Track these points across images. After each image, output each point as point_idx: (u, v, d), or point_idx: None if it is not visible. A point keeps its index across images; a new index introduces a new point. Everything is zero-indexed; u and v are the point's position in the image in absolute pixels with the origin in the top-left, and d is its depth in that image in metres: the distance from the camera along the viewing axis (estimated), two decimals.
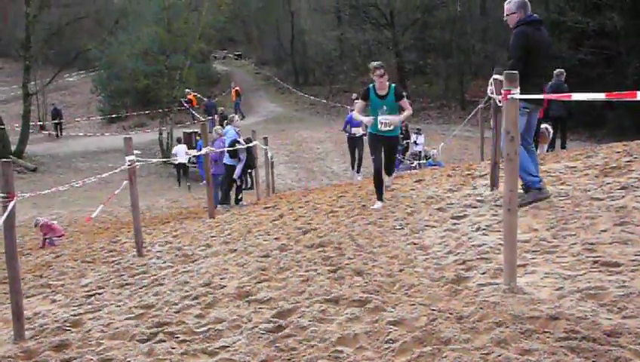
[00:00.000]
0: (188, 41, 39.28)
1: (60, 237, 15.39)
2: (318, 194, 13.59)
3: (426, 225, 8.12)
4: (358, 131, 19.55)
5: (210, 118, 33.79)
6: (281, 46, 61.41)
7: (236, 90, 39.91)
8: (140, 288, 6.96)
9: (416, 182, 11.91)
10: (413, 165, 23.76)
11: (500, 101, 7.70)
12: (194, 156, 27.87)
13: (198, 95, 41.22)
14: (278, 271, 6.74)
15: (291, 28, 58.89)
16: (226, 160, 16.31)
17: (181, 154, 27.74)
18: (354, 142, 20.28)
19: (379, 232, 8.13)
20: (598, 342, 4.20)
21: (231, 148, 16.18)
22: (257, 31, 66.56)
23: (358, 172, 20.68)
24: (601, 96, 5.06)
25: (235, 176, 16.48)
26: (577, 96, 4.90)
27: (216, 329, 5.17)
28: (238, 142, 16.51)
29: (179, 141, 30.27)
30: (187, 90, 38.37)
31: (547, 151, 16.40)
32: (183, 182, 28.12)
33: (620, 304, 4.84)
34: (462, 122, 30.74)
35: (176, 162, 27.17)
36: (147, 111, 41.27)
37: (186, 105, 39.18)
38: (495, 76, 8.01)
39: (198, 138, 27.38)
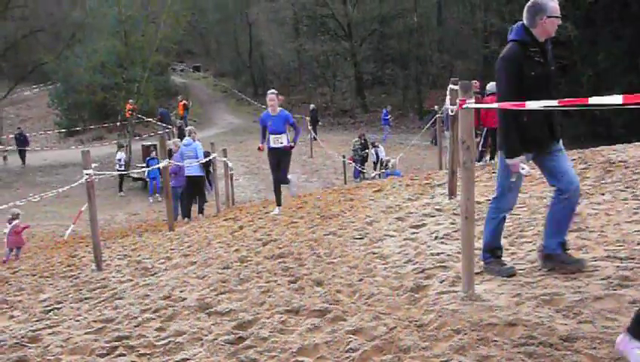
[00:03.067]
0: (145, 54, 39.02)
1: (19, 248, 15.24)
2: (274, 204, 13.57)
3: (386, 235, 8.17)
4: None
5: (166, 127, 33.49)
6: (240, 58, 61.35)
7: (184, 104, 39.56)
8: (100, 302, 6.89)
9: (375, 191, 11.97)
10: (373, 175, 23.88)
11: (452, 110, 7.77)
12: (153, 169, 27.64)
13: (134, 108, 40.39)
14: (239, 283, 6.72)
15: (249, 39, 58.91)
16: (197, 171, 16.16)
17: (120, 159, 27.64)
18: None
19: (338, 242, 8.15)
20: (555, 347, 4.26)
21: (205, 160, 16.14)
22: (215, 43, 66.42)
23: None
24: (554, 103, 5.14)
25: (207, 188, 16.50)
26: (531, 105, 4.98)
27: (176, 342, 5.13)
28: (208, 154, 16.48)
29: (120, 147, 30.15)
30: (130, 100, 37.94)
31: None
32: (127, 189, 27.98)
33: (575, 309, 4.91)
34: (420, 132, 30.97)
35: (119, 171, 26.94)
36: (105, 125, 40.87)
37: (129, 115, 38.52)
38: (451, 86, 8.11)
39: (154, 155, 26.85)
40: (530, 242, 6.87)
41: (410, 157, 28.53)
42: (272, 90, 12.33)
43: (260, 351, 4.75)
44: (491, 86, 16.34)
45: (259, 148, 12.57)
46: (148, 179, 26.70)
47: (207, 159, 17.14)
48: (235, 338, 5.06)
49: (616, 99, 4.76)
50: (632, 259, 5.87)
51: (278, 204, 12.19)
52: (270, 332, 5.10)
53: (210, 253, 8.54)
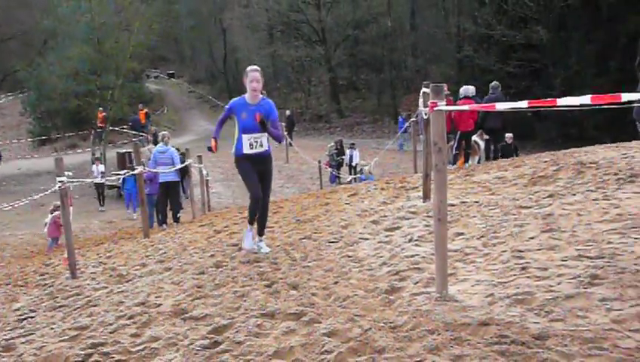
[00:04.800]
0: (119, 61, 38.91)
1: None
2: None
3: (360, 238, 8.21)
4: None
5: (138, 134, 33.32)
6: (214, 64, 61.32)
7: (145, 113, 39.33)
8: (74, 310, 6.85)
9: (350, 196, 12.01)
10: (348, 180, 23.94)
11: (426, 114, 7.84)
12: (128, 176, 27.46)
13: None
14: (214, 288, 6.72)
15: (224, 45, 58.87)
16: (173, 177, 16.04)
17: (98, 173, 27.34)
18: None
19: (314, 246, 8.18)
20: (527, 345, 4.31)
21: (181, 166, 16.10)
22: (190, 49, 66.33)
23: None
24: (523, 104, 5.22)
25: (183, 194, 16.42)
26: (500, 106, 5.05)
27: (152, 348, 5.12)
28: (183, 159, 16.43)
29: (96, 159, 29.99)
30: (101, 108, 37.71)
31: (478, 163, 16.72)
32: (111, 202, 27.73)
33: (547, 308, 4.98)
34: (395, 136, 31.09)
35: (96, 181, 26.65)
36: (79, 132, 40.64)
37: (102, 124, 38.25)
38: (424, 90, 8.18)
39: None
40: (503, 243, 6.94)
41: (385, 162, 28.63)
42: (255, 67, 8.13)
43: (236, 354, 4.76)
44: (464, 90, 16.50)
45: (211, 148, 8.36)
46: (123, 192, 26.29)
47: (184, 165, 17.10)
48: (210, 343, 5.06)
49: (585, 99, 4.84)
50: (602, 258, 5.95)
51: (260, 234, 8.42)
52: (246, 336, 5.11)
53: (186, 259, 8.53)
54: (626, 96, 4.76)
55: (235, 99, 8.11)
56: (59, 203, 16.40)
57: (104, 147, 35.80)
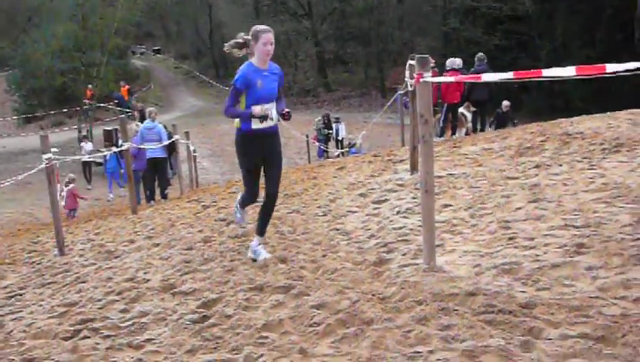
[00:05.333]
0: (104, 37, 38.62)
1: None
2: (242, 186, 13.57)
3: (348, 211, 8.24)
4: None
5: (124, 111, 33.14)
6: (200, 39, 60.92)
7: (127, 89, 39.06)
8: (63, 286, 6.86)
9: (338, 169, 12.02)
10: (336, 154, 23.94)
11: (412, 85, 7.84)
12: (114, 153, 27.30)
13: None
14: (202, 263, 6.73)
15: (209, 21, 58.46)
16: (160, 153, 15.94)
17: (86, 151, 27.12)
18: None
19: (302, 220, 8.20)
20: (514, 314, 4.35)
21: (168, 142, 16.04)
22: (175, 25, 65.86)
23: None
24: (509, 75, 5.22)
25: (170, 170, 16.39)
26: (486, 77, 5.05)
27: (141, 323, 5.13)
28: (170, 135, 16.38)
29: (83, 137, 29.83)
30: (89, 86, 37.45)
31: (466, 134, 16.74)
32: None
33: (534, 277, 5.03)
34: (382, 109, 31.07)
35: (83, 160, 26.43)
36: (65, 110, 40.42)
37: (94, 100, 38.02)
38: (410, 62, 8.17)
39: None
40: (490, 214, 6.98)
41: (373, 135, 28.65)
42: (268, 27, 6.64)
43: (225, 328, 4.78)
44: (451, 62, 16.47)
45: (264, 117, 6.39)
46: (105, 173, 25.88)
47: (171, 141, 17.03)
48: (199, 317, 5.08)
49: (570, 71, 4.85)
50: (588, 226, 6.01)
51: (261, 234, 6.82)
52: (234, 309, 5.13)
53: (174, 235, 8.53)
54: (610, 67, 4.78)
55: (242, 68, 6.46)
56: (73, 175, 17.92)
57: (90, 124, 35.61)
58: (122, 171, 22.37)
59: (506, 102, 20.02)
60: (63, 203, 18.37)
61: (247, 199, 6.95)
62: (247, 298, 5.37)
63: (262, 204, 6.72)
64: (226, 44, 6.86)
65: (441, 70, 16.67)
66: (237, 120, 6.50)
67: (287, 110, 6.55)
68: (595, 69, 4.87)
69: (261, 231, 6.76)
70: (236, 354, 4.29)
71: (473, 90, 17.05)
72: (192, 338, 4.68)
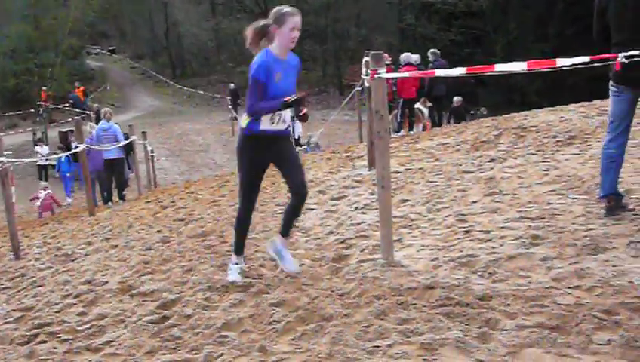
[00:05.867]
0: (57, 38, 38.11)
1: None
2: (200, 185, 13.52)
3: (307, 208, 8.23)
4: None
5: (80, 112, 32.74)
6: (156, 39, 60.34)
7: (82, 90, 38.58)
8: (19, 291, 6.76)
9: None
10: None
11: (368, 82, 7.88)
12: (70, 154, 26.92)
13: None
14: (161, 263, 6.70)
15: (165, 19, 57.94)
16: (116, 153, 15.75)
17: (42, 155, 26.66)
18: None
19: (260, 218, 8.19)
20: (471, 306, 4.41)
21: (125, 143, 15.87)
22: (130, 24, 65.10)
23: None
24: (462, 70, 5.28)
25: (127, 171, 16.21)
26: (440, 72, 5.10)
27: (99, 326, 5.08)
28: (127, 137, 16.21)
29: (35, 143, 29.39)
30: (44, 87, 36.96)
31: (423, 130, 16.85)
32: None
33: (490, 269, 5.10)
34: (340, 106, 31.14)
35: (39, 163, 26.00)
36: (19, 112, 39.81)
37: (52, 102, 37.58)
38: (365, 58, 8.21)
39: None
40: (447, 208, 7.05)
41: (331, 133, 28.69)
42: (296, 9, 5.54)
43: (184, 328, 4.76)
44: (405, 56, 16.56)
45: (299, 100, 5.35)
46: (58, 175, 25.35)
47: (128, 142, 16.87)
48: (158, 318, 5.05)
49: (521, 65, 4.93)
50: (542, 218, 6.11)
51: (286, 234, 5.85)
52: (194, 309, 5.10)
53: (132, 236, 8.47)
54: (560, 62, 4.86)
55: (260, 56, 5.44)
56: (45, 184, 18.09)
57: (45, 126, 35.12)
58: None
59: (457, 98, 20.23)
60: (37, 203, 18.97)
61: (243, 217, 5.81)
62: (207, 297, 5.35)
63: (289, 204, 5.76)
64: (246, 36, 5.69)
65: (395, 67, 16.75)
66: (244, 118, 5.54)
67: (304, 110, 5.49)
68: (546, 63, 4.95)
69: (286, 231, 5.78)
70: (196, 354, 4.28)
71: (434, 86, 17.17)
72: (152, 340, 4.65)
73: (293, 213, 5.73)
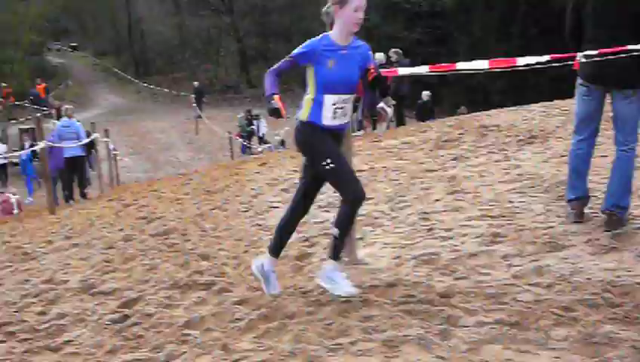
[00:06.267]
0: (17, 34, 37.60)
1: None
2: (164, 183, 13.44)
3: (271, 207, 8.24)
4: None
5: (40, 109, 32.33)
6: (119, 35, 59.76)
7: (44, 87, 38.11)
8: None
9: (260, 165, 12.01)
10: (260, 150, 23.91)
11: None
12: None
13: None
14: (123, 262, 6.64)
15: (128, 16, 57.42)
16: (78, 151, 15.57)
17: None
18: None
19: (224, 216, 8.17)
20: (432, 303, 4.45)
21: (87, 140, 15.70)
22: (92, 21, 64.39)
23: None
24: (425, 69, 5.33)
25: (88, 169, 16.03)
26: (402, 71, 5.13)
27: (59, 325, 5.03)
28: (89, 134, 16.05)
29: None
30: (3, 84, 36.46)
31: (387, 129, 16.90)
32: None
33: (452, 267, 5.17)
34: None
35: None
36: None
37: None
38: None
39: None
40: (410, 206, 7.10)
41: None
42: None
43: (146, 327, 4.73)
44: (378, 55, 16.57)
45: (277, 110, 4.77)
46: (25, 176, 24.98)
47: (89, 140, 16.73)
48: (120, 317, 5.01)
49: (483, 64, 4.99)
50: (503, 216, 6.19)
51: (337, 257, 4.96)
52: (156, 308, 5.08)
53: (94, 234, 8.39)
54: (521, 60, 4.93)
55: (313, 39, 4.95)
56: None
57: (5, 124, 34.63)
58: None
59: (425, 92, 20.25)
60: None
61: (298, 213, 5.24)
62: (169, 296, 5.33)
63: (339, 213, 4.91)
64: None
65: None
66: (305, 109, 4.98)
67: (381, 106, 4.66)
68: (507, 62, 5.01)
69: (336, 253, 4.92)
70: (157, 352, 4.25)
71: (398, 85, 17.19)
72: (113, 339, 4.62)
73: (345, 225, 4.90)
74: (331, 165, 4.72)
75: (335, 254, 4.87)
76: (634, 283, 4.50)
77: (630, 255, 5.05)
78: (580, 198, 5.83)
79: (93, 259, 6.95)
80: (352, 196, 4.76)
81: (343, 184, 4.78)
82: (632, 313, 4.06)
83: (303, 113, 4.95)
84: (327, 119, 4.82)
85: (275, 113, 4.77)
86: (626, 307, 4.15)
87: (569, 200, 5.90)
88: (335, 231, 4.82)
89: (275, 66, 4.93)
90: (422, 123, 16.54)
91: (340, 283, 4.77)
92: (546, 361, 3.60)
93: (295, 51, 4.88)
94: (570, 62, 5.26)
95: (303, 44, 4.90)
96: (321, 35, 4.94)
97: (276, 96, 4.77)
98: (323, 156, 4.77)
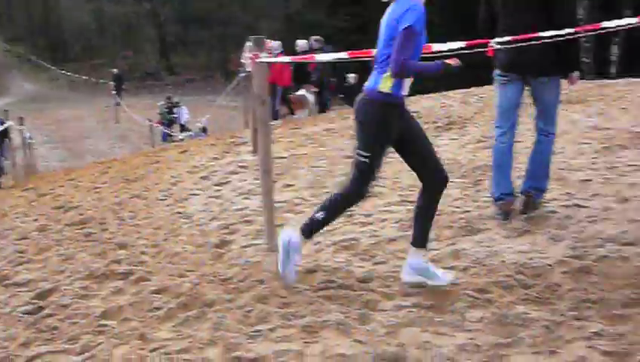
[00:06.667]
0: None
1: None
2: (81, 172, 13.13)
3: (190, 194, 8.15)
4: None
5: None
6: (34, 20, 58.08)
7: None
8: None
9: (181, 153, 11.85)
10: (180, 137, 23.60)
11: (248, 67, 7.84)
12: None
13: None
14: (37, 252, 6.46)
15: (43, 1, 55.88)
16: None
17: None
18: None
19: (143, 205, 8.04)
20: (352, 288, 4.50)
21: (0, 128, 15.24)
22: (5, 5, 62.35)
23: None
24: (343, 55, 5.34)
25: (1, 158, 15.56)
26: (320, 57, 5.13)
27: None
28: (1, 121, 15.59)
29: None
30: None
31: (308, 115, 16.91)
32: None
33: (371, 252, 5.23)
34: (227, 92, 30.94)
35: None
36: None
37: None
38: (248, 43, 8.16)
39: None
40: (331, 192, 7.11)
41: (217, 118, 28.46)
42: None
43: (61, 318, 4.62)
44: (278, 44, 16.55)
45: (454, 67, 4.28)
46: None
47: (3, 128, 16.24)
48: (34, 308, 4.88)
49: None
50: None
51: (422, 246, 4.56)
52: (71, 299, 4.96)
53: (6, 225, 8.13)
54: (435, 47, 5.00)
55: (414, 5, 4.25)
56: None
57: None
58: None
59: (351, 75, 20.21)
60: None
61: (354, 199, 4.70)
62: (85, 286, 5.22)
63: (422, 198, 4.67)
64: None
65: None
66: (385, 80, 4.37)
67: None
68: (424, 48, 5.05)
69: (424, 238, 4.58)
70: (73, 343, 4.17)
71: (318, 72, 17.17)
72: (27, 331, 4.49)
73: (429, 209, 4.62)
74: (366, 161, 4.46)
75: (424, 241, 4.55)
76: (545, 264, 4.64)
77: (543, 237, 5.20)
78: (506, 195, 5.71)
79: (6, 251, 6.73)
80: (358, 195, 4.64)
81: (364, 179, 4.57)
82: (543, 293, 4.20)
83: (385, 84, 4.37)
84: (406, 89, 4.42)
85: (453, 69, 4.28)
86: (538, 288, 4.28)
87: (495, 199, 5.78)
88: (320, 214, 4.66)
89: (402, 54, 4.19)
90: (344, 110, 16.57)
91: (437, 273, 4.48)
92: (461, 342, 3.67)
93: (412, 22, 4.19)
94: (484, 50, 5.34)
95: (414, 11, 4.22)
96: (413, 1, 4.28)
97: (449, 61, 4.32)
98: (375, 137, 4.42)
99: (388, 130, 4.40)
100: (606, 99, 10.58)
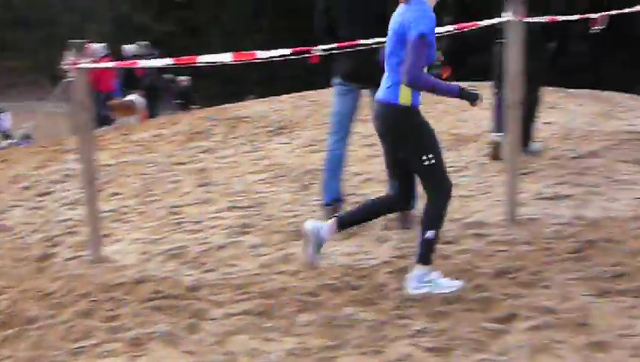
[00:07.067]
0: None
1: None
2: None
3: (11, 206, 7.73)
4: None
5: None
6: None
7: None
8: None
9: (0, 162, 11.25)
10: (3, 145, 22.43)
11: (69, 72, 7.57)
12: None
13: None
14: None
15: None
16: None
17: None
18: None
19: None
20: (180, 297, 4.43)
21: None
22: None
23: None
24: (168, 61, 5.27)
25: None
26: (142, 63, 5.04)
27: None
28: None
29: None
30: None
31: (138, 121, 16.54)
32: None
33: (200, 260, 5.17)
34: (53, 98, 29.73)
35: None
36: None
37: None
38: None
39: None
40: (159, 200, 7.01)
41: (44, 125, 27.30)
42: None
43: None
44: (102, 47, 16.19)
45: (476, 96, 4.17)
46: None
47: None
48: None
49: (227, 57, 5.02)
50: (252, 207, 6.30)
51: (430, 261, 4.37)
52: None
53: None
54: (260, 54, 5.04)
55: (426, 10, 4.13)
56: None
57: None
58: None
59: (182, 77, 19.97)
60: None
61: (447, 197, 4.37)
62: None
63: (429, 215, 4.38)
64: None
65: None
66: (404, 91, 4.23)
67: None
68: (249, 55, 5.08)
69: (429, 257, 4.36)
70: None
71: (146, 77, 16.87)
72: None
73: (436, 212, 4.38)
74: (432, 161, 4.23)
75: (428, 258, 4.31)
76: (371, 266, 4.77)
77: (369, 239, 5.35)
78: (335, 201, 5.76)
79: None
80: (448, 192, 4.34)
81: (439, 180, 4.33)
82: (369, 294, 4.29)
83: (404, 97, 4.23)
84: (418, 98, 4.29)
85: (476, 97, 4.17)
86: (364, 289, 4.39)
87: (325, 204, 5.81)
88: (431, 233, 4.28)
89: (417, 65, 4.06)
90: (175, 113, 16.40)
91: (439, 280, 4.31)
92: (290, 347, 3.70)
93: (424, 29, 4.04)
94: (307, 56, 5.42)
95: (425, 18, 4.08)
96: (420, 2, 4.16)
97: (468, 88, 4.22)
98: (430, 144, 4.28)
99: (426, 124, 4.32)
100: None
